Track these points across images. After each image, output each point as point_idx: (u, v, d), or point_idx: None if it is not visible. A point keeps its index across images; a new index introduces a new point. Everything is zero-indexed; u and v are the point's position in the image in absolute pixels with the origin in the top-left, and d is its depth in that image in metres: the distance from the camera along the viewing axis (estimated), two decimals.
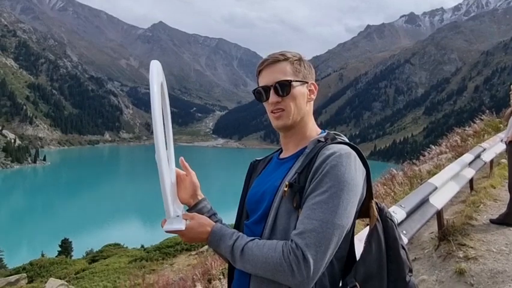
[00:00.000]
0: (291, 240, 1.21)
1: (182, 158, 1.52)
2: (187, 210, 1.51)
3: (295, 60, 1.42)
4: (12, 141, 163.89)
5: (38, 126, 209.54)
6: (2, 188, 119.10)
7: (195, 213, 1.39)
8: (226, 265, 1.53)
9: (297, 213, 1.26)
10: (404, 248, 1.33)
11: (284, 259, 1.18)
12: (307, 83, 1.42)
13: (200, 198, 1.53)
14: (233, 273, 1.47)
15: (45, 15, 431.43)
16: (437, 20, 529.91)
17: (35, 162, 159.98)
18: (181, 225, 1.33)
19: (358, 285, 1.26)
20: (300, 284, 1.18)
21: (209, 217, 1.52)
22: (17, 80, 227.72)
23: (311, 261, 1.16)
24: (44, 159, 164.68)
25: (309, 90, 1.43)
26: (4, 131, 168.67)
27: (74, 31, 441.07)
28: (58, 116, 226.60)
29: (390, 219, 1.34)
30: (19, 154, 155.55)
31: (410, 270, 1.33)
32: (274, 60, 1.41)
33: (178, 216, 1.34)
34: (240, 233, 1.34)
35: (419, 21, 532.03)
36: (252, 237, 1.30)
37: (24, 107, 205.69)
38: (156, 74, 1.27)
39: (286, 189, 1.29)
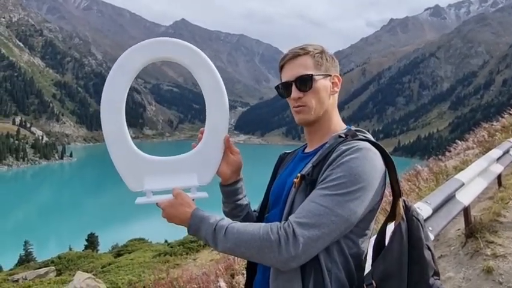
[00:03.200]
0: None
1: (228, 135, 1.49)
2: (225, 186, 1.52)
3: (317, 53, 1.39)
4: (40, 138, 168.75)
5: (64, 123, 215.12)
6: (31, 184, 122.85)
7: (181, 192, 1.37)
8: None
9: None
10: (429, 249, 1.25)
11: (272, 234, 1.16)
12: (330, 75, 1.39)
13: (240, 177, 1.54)
14: (255, 268, 1.44)
15: (71, 15, 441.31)
16: (463, 12, 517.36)
17: (62, 158, 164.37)
18: (148, 200, 1.35)
19: (375, 283, 1.21)
20: (286, 261, 1.15)
21: (243, 197, 1.54)
22: (44, 78, 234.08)
23: (301, 239, 1.13)
24: (71, 156, 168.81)
25: (333, 82, 1.40)
26: (33, 128, 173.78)
27: (99, 30, 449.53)
28: (84, 113, 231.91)
29: (417, 219, 1.27)
30: (47, 151, 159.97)
31: (436, 273, 1.26)
32: (295, 54, 1.39)
33: (148, 190, 1.34)
34: (224, 216, 1.31)
35: (444, 13, 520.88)
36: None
37: (51, 105, 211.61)
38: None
39: (296, 180, 1.28)
